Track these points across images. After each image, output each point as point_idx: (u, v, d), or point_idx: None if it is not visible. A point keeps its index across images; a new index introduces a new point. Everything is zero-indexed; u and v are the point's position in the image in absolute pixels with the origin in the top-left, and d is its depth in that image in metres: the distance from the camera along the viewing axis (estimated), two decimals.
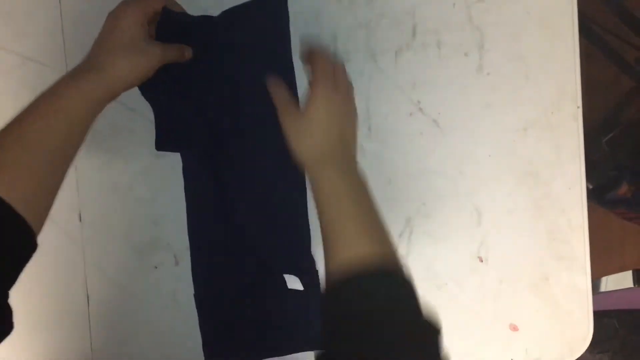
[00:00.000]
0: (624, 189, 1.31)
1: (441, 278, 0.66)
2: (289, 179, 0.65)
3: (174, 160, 0.65)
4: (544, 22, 0.65)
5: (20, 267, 0.49)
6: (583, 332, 0.67)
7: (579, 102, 0.66)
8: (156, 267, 0.66)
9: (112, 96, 0.55)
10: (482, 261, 0.66)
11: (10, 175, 0.47)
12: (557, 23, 0.65)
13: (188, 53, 0.61)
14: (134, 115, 0.65)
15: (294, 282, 0.65)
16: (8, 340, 0.64)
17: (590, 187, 1.29)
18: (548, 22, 0.65)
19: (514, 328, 0.67)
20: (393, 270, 0.46)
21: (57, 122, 0.50)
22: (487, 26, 0.65)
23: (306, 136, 0.54)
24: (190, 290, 0.65)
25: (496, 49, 0.66)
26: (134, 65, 0.55)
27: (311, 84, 0.54)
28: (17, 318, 0.65)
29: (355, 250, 0.46)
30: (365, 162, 0.65)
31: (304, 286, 0.65)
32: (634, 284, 0.96)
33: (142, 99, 0.65)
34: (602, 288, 1.01)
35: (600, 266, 0.64)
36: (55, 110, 0.51)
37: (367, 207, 0.51)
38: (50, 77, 0.64)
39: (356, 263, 0.45)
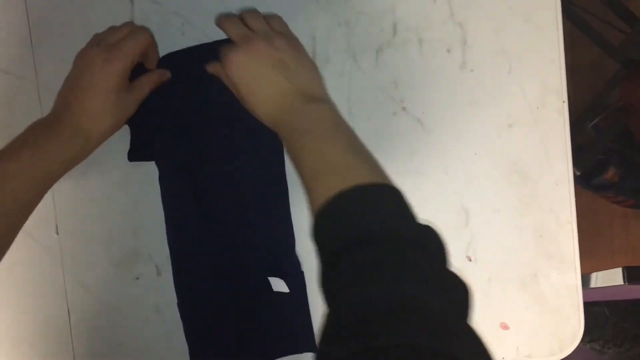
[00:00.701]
0: (610, 173, 1.31)
1: None
2: (268, 176, 0.63)
3: (152, 169, 0.63)
4: (527, 16, 0.64)
5: None
6: (574, 328, 0.66)
7: (565, 97, 0.65)
8: (138, 279, 0.65)
9: (77, 160, 0.56)
10: (470, 260, 0.65)
11: None
12: (540, 17, 0.64)
13: (166, 75, 0.60)
14: None
15: (279, 285, 0.64)
16: None
17: (578, 173, 1.29)
18: (531, 16, 0.64)
19: (505, 327, 0.66)
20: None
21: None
22: (469, 21, 0.64)
23: (253, 104, 0.54)
24: (174, 300, 0.64)
25: (479, 45, 0.64)
26: (109, 126, 0.56)
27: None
28: None
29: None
30: None
31: (289, 288, 0.64)
32: (624, 282, 0.96)
33: None
34: (592, 285, 1.01)
35: (589, 251, 0.64)
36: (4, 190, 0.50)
37: (350, 141, 0.50)
38: (19, 87, 0.63)
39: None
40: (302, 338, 0.66)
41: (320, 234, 0.45)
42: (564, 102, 0.65)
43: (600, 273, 1.01)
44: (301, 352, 0.66)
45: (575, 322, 0.66)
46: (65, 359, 0.65)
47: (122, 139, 0.63)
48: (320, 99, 0.54)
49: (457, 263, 0.65)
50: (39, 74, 0.63)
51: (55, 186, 0.63)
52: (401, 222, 0.44)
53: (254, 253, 0.65)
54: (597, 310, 1.03)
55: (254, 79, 0.53)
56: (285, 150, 0.53)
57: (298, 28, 0.62)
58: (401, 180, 0.64)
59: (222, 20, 0.57)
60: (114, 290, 0.65)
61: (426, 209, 0.65)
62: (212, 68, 0.59)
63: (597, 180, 1.31)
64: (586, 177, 1.31)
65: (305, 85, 0.54)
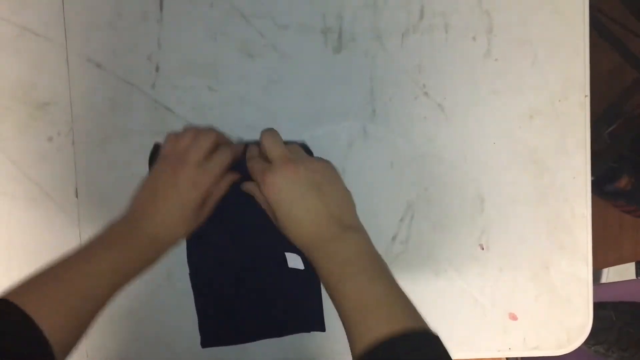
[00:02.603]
0: (623, 182, 1.31)
1: (441, 264, 0.65)
2: None
3: None
4: (555, 8, 0.64)
5: None
6: (582, 322, 0.66)
7: (587, 91, 0.65)
8: None
9: (150, 265, 0.57)
10: (483, 249, 0.66)
11: (47, 307, 0.48)
12: (568, 9, 0.64)
13: (234, 176, 0.61)
14: (133, 90, 0.64)
15: (294, 261, 0.64)
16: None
17: (592, 178, 1.28)
18: (559, 8, 0.64)
19: (513, 317, 0.66)
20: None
21: (93, 285, 0.52)
22: (496, 10, 0.64)
23: (287, 226, 0.55)
24: (185, 269, 0.65)
25: (505, 34, 0.64)
26: (181, 236, 0.59)
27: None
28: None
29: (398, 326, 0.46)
30: (368, 144, 0.64)
31: (305, 265, 0.64)
32: (637, 276, 0.96)
33: (143, 75, 0.64)
34: (604, 280, 1.01)
35: (597, 259, 0.64)
36: (90, 275, 0.52)
37: (390, 278, 0.51)
38: (47, 49, 0.64)
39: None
40: (314, 317, 0.66)
41: None
42: (586, 96, 0.65)
43: (612, 268, 1.01)
44: (312, 330, 0.66)
45: (584, 316, 0.66)
46: None
47: (144, 107, 0.64)
48: (355, 228, 0.55)
49: (469, 250, 0.66)
50: (69, 38, 0.63)
51: (77, 150, 0.64)
52: None
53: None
54: (604, 313, 1.02)
55: (292, 203, 0.54)
56: (317, 273, 0.54)
57: (327, 7, 0.63)
58: (419, 164, 0.65)
59: (265, 136, 0.58)
60: None
61: (442, 194, 0.65)
62: (247, 187, 0.60)
63: (609, 188, 1.31)
64: (599, 184, 1.31)
65: (340, 211, 0.55)
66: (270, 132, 0.59)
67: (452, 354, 0.67)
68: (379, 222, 0.65)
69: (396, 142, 0.65)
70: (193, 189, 0.56)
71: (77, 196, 0.65)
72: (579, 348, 0.67)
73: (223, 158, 0.58)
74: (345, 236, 0.53)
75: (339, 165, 0.64)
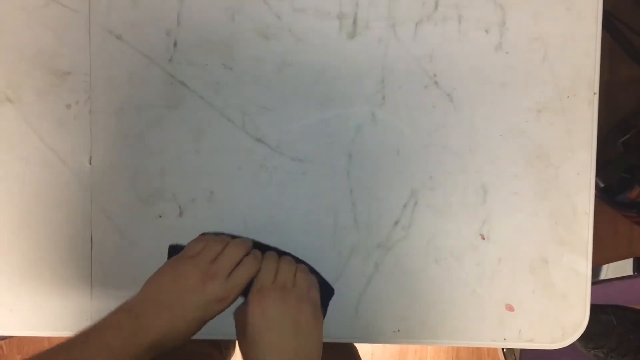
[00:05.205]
0: (635, 192, 1.30)
1: (441, 252, 0.66)
2: None
3: (185, 113, 0.66)
4: (568, 5, 0.65)
5: None
6: (578, 318, 0.67)
7: (596, 89, 0.65)
8: (160, 217, 0.67)
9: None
10: (483, 239, 0.66)
11: None
12: (581, 7, 0.65)
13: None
14: (150, 64, 0.66)
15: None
16: (5, 269, 0.66)
17: (602, 185, 1.28)
18: (572, 5, 0.65)
19: (510, 308, 0.67)
20: None
21: None
22: (510, 4, 0.65)
23: (247, 352, 0.55)
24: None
25: (517, 28, 0.65)
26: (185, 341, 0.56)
27: None
28: (20, 249, 0.66)
29: None
30: (376, 130, 0.66)
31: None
32: (634, 272, 0.95)
33: (161, 49, 0.66)
34: (602, 276, 1.01)
35: (596, 255, 0.64)
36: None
37: None
38: (71, 20, 0.66)
39: None
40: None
41: None
42: (595, 93, 0.65)
43: (612, 265, 1.01)
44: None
45: (580, 312, 0.66)
46: (83, 284, 0.67)
47: (159, 80, 0.65)
48: None
49: (470, 240, 0.67)
50: (92, 10, 0.65)
51: (94, 119, 0.66)
52: None
53: None
54: (605, 318, 1.02)
55: (267, 329, 0.54)
56: None
57: None
58: (425, 152, 0.66)
59: (282, 262, 0.60)
60: (137, 225, 0.67)
61: (446, 183, 0.66)
62: None
63: (621, 197, 1.30)
64: (610, 193, 1.30)
65: (302, 357, 0.55)
66: (289, 259, 0.62)
67: (447, 342, 0.68)
68: (382, 206, 0.66)
69: (404, 130, 0.66)
70: (218, 304, 0.56)
71: (90, 163, 0.67)
72: (579, 351, 0.67)
73: (250, 271, 0.59)
74: None
75: (346, 149, 0.65)
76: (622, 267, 1.00)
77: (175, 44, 0.65)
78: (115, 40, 0.66)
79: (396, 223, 0.66)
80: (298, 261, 0.65)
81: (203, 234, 0.65)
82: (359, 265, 0.66)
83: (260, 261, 0.61)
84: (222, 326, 0.66)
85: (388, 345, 1.76)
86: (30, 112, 0.66)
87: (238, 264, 0.59)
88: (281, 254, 0.64)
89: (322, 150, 0.66)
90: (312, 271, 0.65)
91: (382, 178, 0.66)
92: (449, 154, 0.66)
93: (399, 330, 0.67)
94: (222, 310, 0.57)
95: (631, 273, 0.97)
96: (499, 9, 0.65)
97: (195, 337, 0.66)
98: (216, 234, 0.66)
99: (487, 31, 0.65)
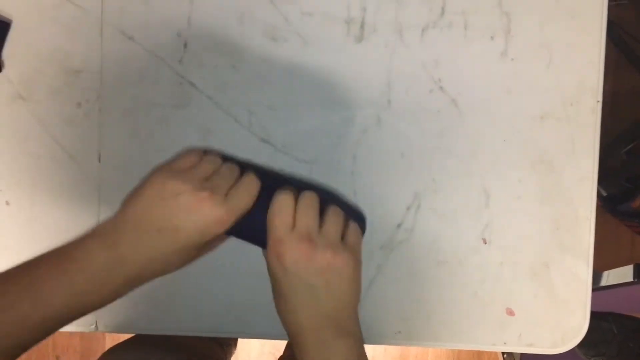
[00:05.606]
0: (637, 202, 1.31)
1: (443, 254, 0.67)
2: None
3: (192, 113, 0.67)
4: (573, 14, 0.66)
5: None
6: (578, 324, 0.67)
7: (599, 97, 0.66)
8: None
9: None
10: (485, 243, 0.67)
11: None
12: (586, 16, 0.66)
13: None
14: (160, 64, 0.67)
15: None
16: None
17: (604, 194, 1.29)
18: (577, 13, 0.66)
19: (510, 312, 0.67)
20: None
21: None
22: (515, 12, 0.66)
23: (280, 308, 0.51)
24: None
25: (522, 36, 0.66)
26: (173, 270, 0.50)
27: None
28: (28, 246, 0.67)
29: None
30: (381, 132, 0.67)
31: None
32: (634, 279, 0.96)
33: (171, 50, 0.67)
34: (603, 283, 1.02)
35: (597, 261, 0.65)
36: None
37: None
38: (83, 19, 0.67)
39: None
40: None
41: None
42: (598, 101, 0.66)
43: (612, 272, 1.01)
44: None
45: (581, 317, 0.67)
46: None
47: (169, 80, 0.67)
48: (349, 333, 0.50)
49: (472, 243, 0.67)
50: (105, 10, 0.67)
51: (103, 116, 0.67)
52: None
53: None
54: (606, 325, 1.03)
55: (291, 287, 0.49)
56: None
57: None
58: (429, 156, 0.67)
59: (303, 198, 0.52)
60: None
61: (449, 187, 0.67)
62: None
63: (623, 207, 1.31)
64: (612, 202, 1.31)
65: (339, 315, 0.50)
66: (309, 195, 0.53)
67: (447, 345, 0.68)
68: (385, 208, 0.67)
69: (408, 133, 0.67)
70: (215, 226, 0.48)
71: (99, 161, 0.68)
72: (579, 358, 0.68)
73: (252, 191, 0.51)
74: (335, 343, 0.49)
75: (351, 151, 0.66)
76: (623, 274, 1.00)
77: (185, 45, 0.67)
78: (126, 40, 0.67)
79: (399, 225, 0.67)
80: (323, 194, 0.56)
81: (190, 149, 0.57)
82: None
83: (266, 191, 0.52)
84: (222, 324, 0.67)
85: (389, 349, 1.77)
86: (42, 109, 0.67)
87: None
88: (299, 186, 0.55)
89: (327, 151, 0.66)
90: (339, 202, 0.61)
91: (385, 180, 0.67)
92: (453, 158, 0.67)
93: (400, 332, 0.68)
94: (218, 235, 0.49)
95: (631, 279, 0.98)
96: (505, 17, 0.66)
97: (195, 334, 0.67)
98: (205, 151, 0.57)
99: (492, 38, 0.66)
